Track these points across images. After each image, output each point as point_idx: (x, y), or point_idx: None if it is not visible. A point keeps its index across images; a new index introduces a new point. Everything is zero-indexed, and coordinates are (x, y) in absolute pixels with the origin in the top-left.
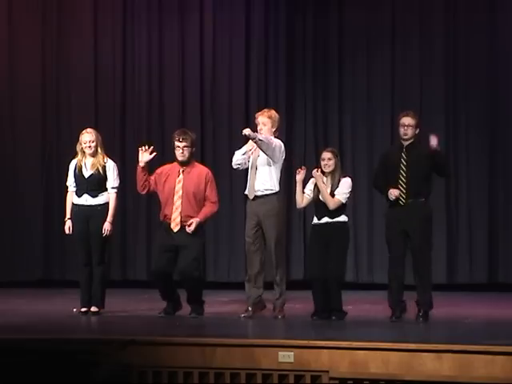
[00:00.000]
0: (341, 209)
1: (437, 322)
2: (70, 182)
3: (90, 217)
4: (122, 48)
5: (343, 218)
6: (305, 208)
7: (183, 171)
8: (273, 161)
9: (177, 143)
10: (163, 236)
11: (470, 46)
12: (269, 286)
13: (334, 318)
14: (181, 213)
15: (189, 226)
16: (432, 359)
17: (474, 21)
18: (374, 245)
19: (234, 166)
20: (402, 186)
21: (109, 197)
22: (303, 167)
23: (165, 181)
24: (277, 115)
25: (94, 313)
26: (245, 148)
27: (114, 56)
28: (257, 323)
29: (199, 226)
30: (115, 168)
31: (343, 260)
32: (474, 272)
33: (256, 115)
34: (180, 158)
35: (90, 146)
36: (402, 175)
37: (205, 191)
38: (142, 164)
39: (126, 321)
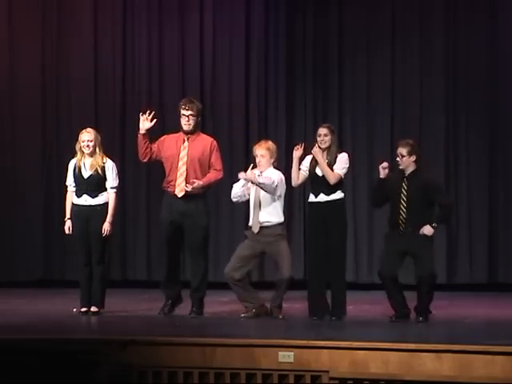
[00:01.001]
0: (338, 184)
1: (437, 322)
2: (70, 181)
3: (89, 217)
4: (122, 48)
5: (340, 195)
6: (301, 184)
7: (188, 139)
8: (275, 196)
9: (182, 111)
10: (167, 208)
11: (470, 46)
12: (269, 286)
13: (333, 318)
14: (186, 179)
15: (190, 184)
16: (432, 359)
17: (474, 21)
18: (374, 245)
19: (234, 199)
20: (402, 215)
21: (108, 197)
22: (301, 144)
23: (169, 147)
24: (274, 146)
25: (93, 313)
26: (242, 180)
27: (114, 56)
28: (257, 323)
29: (202, 196)
30: (114, 168)
31: (343, 252)
32: (473, 272)
33: (254, 148)
34: (185, 127)
35: (88, 146)
36: (403, 205)
37: (210, 159)
38: (142, 131)
39: (126, 321)
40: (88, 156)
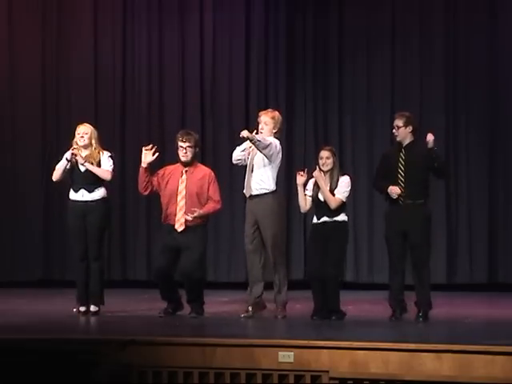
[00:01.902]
0: (341, 207)
1: (437, 322)
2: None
3: (86, 212)
4: (122, 48)
5: (343, 217)
6: (309, 210)
7: (186, 171)
8: (269, 160)
9: (180, 143)
10: (165, 237)
11: (470, 46)
12: (269, 285)
13: (333, 318)
14: (185, 213)
15: (191, 213)
16: (432, 359)
17: (474, 21)
18: (374, 245)
19: (234, 162)
20: (400, 186)
21: (105, 192)
22: (304, 171)
23: (167, 181)
24: (280, 117)
25: (93, 313)
26: (244, 144)
27: (113, 56)
28: (257, 323)
29: (202, 225)
30: (109, 157)
31: (341, 259)
32: (473, 272)
33: (259, 113)
34: (183, 159)
35: (82, 137)
36: (401, 175)
37: (208, 191)
38: (144, 165)
39: (126, 321)
40: (83, 149)
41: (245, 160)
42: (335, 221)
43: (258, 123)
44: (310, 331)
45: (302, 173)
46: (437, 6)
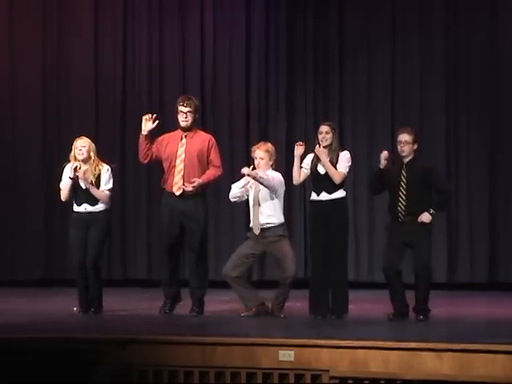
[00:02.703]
0: (341, 183)
1: (437, 321)
2: (63, 184)
3: (89, 222)
4: (123, 48)
5: (342, 193)
6: (302, 182)
7: (186, 136)
8: (275, 195)
9: (180, 108)
10: (166, 207)
11: (471, 46)
12: (269, 285)
13: (333, 317)
14: (183, 176)
15: (190, 183)
16: (432, 358)
17: (475, 21)
18: (374, 243)
19: (232, 200)
20: (401, 203)
21: (108, 204)
22: (302, 142)
23: (166, 145)
24: (273, 148)
25: (94, 311)
26: (242, 181)
27: (114, 56)
28: (257, 322)
29: (201, 187)
30: (108, 172)
31: (345, 245)
32: (474, 271)
33: (252, 149)
34: (183, 124)
35: (80, 150)
36: (402, 193)
37: (208, 156)
38: (144, 132)
39: (127, 320)
40: (82, 164)
41: (243, 196)
42: (335, 199)
43: (253, 159)
44: (310, 330)
45: (299, 143)
46: (437, 6)
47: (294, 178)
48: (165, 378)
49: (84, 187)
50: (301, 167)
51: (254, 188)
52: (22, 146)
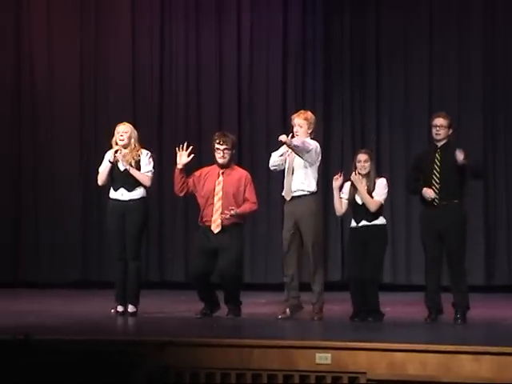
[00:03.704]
0: (379, 210)
1: (475, 324)
2: (102, 168)
3: (126, 211)
4: (160, 48)
5: (381, 221)
6: (345, 213)
7: (223, 173)
8: (309, 163)
9: (217, 146)
10: (202, 239)
11: (509, 46)
12: (307, 287)
13: (370, 319)
14: (221, 214)
15: (227, 211)
16: (470, 361)
17: None
18: (411, 246)
19: (271, 168)
20: (435, 187)
21: (144, 191)
22: (339, 174)
23: (204, 183)
24: (313, 117)
25: (131, 313)
26: (281, 150)
27: (151, 56)
28: (294, 324)
29: (238, 225)
30: (148, 155)
31: (380, 262)
32: None
33: (292, 117)
34: (220, 161)
35: (121, 135)
36: (436, 176)
37: (244, 193)
38: (180, 166)
39: (164, 322)
40: (123, 149)
41: (282, 165)
42: (374, 225)
43: (292, 126)
44: (348, 333)
45: (337, 176)
46: (475, 6)
47: (336, 211)
48: (202, 379)
49: (123, 169)
50: (341, 198)
51: (290, 156)
52: (60, 146)
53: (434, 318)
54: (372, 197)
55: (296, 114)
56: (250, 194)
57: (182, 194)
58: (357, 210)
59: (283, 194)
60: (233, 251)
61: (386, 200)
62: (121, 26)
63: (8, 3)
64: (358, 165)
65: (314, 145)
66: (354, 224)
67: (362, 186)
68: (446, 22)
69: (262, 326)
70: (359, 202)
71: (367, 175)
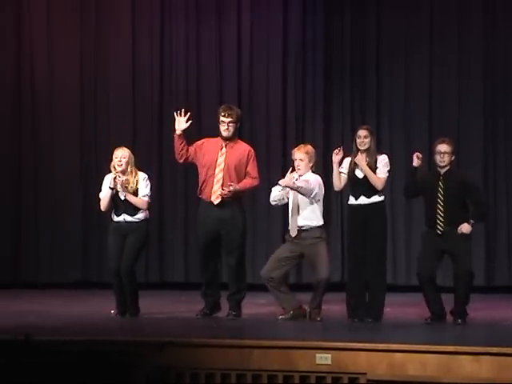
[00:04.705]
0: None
1: (475, 325)
2: (102, 194)
3: (128, 231)
4: (160, 48)
5: (380, 197)
6: (342, 189)
7: (226, 145)
8: (314, 199)
9: (222, 118)
10: (202, 212)
11: (509, 48)
12: (307, 287)
13: (370, 320)
14: (222, 185)
15: (227, 187)
16: (470, 362)
17: None
18: (411, 247)
19: (272, 203)
20: (439, 213)
21: (147, 213)
22: (339, 149)
23: (205, 152)
24: (313, 150)
25: (131, 314)
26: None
27: (151, 56)
28: (294, 325)
29: (237, 194)
30: (145, 179)
31: (384, 248)
32: None
33: (292, 151)
34: (224, 134)
35: (120, 161)
36: (440, 204)
37: (246, 167)
38: (178, 132)
39: (164, 322)
40: (121, 174)
41: (283, 199)
42: (373, 203)
43: (292, 161)
44: (348, 333)
45: (337, 151)
46: (475, 7)
47: (334, 185)
48: (202, 380)
49: (123, 198)
50: (340, 173)
51: (294, 192)
52: (60, 146)
53: (435, 319)
54: (375, 174)
55: (296, 149)
56: (252, 169)
57: (181, 161)
58: (356, 185)
59: (289, 228)
60: (236, 226)
61: (387, 178)
62: (121, 26)
63: (8, 3)
64: (357, 140)
65: (316, 182)
66: (352, 201)
67: (365, 164)
68: (446, 23)
69: (262, 327)
70: (359, 176)
71: (367, 151)
